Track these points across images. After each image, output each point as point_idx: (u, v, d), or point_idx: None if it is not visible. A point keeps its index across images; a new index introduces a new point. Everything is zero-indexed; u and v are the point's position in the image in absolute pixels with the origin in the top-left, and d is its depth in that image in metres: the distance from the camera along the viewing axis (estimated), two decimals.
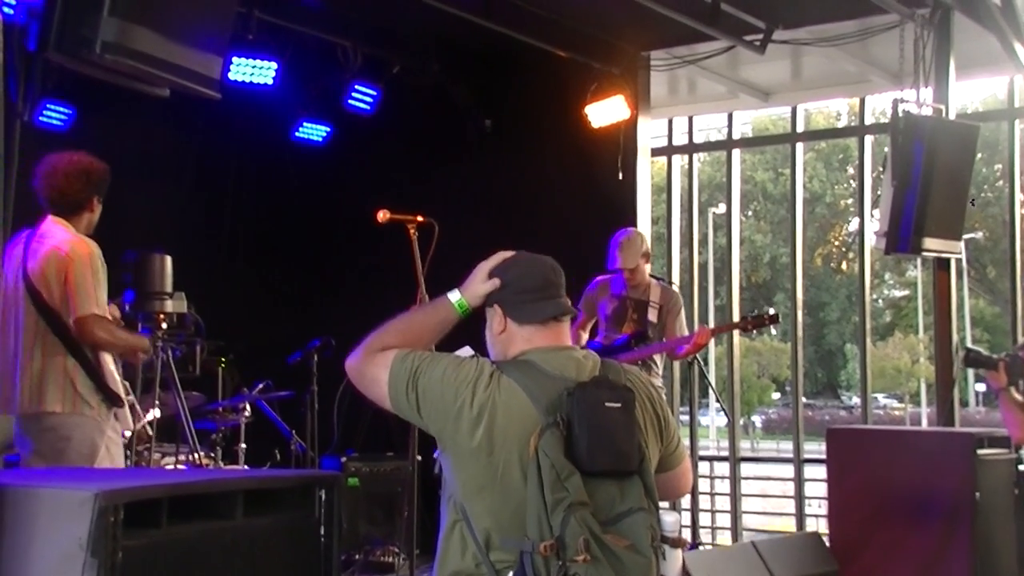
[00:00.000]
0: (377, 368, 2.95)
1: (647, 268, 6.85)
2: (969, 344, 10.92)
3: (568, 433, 2.72)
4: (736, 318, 10.51)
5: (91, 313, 4.53)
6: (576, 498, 2.66)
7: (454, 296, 3.06)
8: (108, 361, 4.70)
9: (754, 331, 7.22)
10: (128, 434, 5.20)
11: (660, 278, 7.05)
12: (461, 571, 2.81)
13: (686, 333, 6.76)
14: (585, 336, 7.11)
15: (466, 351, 3.44)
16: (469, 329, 3.20)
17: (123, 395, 4.75)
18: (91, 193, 4.77)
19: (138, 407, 5.49)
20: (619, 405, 2.80)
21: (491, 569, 2.74)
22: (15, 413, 4.64)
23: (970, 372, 25.82)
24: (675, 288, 7.18)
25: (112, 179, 4.86)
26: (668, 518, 2.84)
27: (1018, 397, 5.46)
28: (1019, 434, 5.52)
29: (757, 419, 35.44)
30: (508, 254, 3.06)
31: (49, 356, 4.57)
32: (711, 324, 30.26)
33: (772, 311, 6.89)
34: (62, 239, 4.64)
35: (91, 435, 4.58)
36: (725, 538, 10.15)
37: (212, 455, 6.85)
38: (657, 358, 6.78)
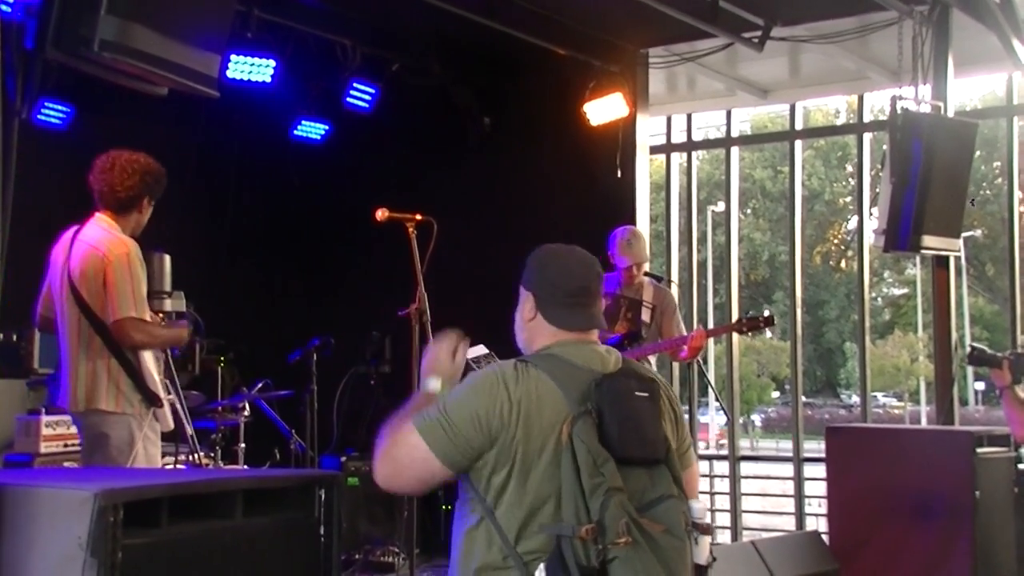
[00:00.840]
0: (406, 448, 2.83)
1: (644, 266, 6.84)
2: (969, 342, 10.91)
3: (599, 422, 2.75)
4: (734, 317, 10.52)
5: (128, 316, 4.54)
6: (612, 483, 2.69)
7: (433, 385, 3.03)
8: (148, 360, 4.71)
9: (750, 332, 7.20)
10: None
11: (656, 276, 7.00)
12: (488, 565, 2.79)
13: (684, 332, 6.73)
14: None
15: (480, 349, 3.46)
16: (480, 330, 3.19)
17: (162, 395, 4.77)
18: (143, 193, 4.78)
19: (179, 406, 5.50)
20: (647, 395, 2.86)
21: (519, 561, 2.74)
22: (70, 410, 4.72)
23: (969, 370, 25.86)
24: (673, 287, 7.17)
25: None
26: (696, 505, 2.90)
27: (1022, 395, 5.46)
28: (1022, 432, 5.53)
29: (756, 418, 35.46)
30: (452, 339, 3.09)
31: (96, 357, 4.60)
32: (710, 323, 30.21)
33: (768, 313, 6.88)
34: (101, 238, 4.65)
35: (131, 433, 4.61)
36: (725, 537, 10.14)
37: (212, 455, 6.84)
38: (652, 359, 6.77)
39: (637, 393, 2.84)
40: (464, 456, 2.78)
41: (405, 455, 2.82)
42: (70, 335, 4.64)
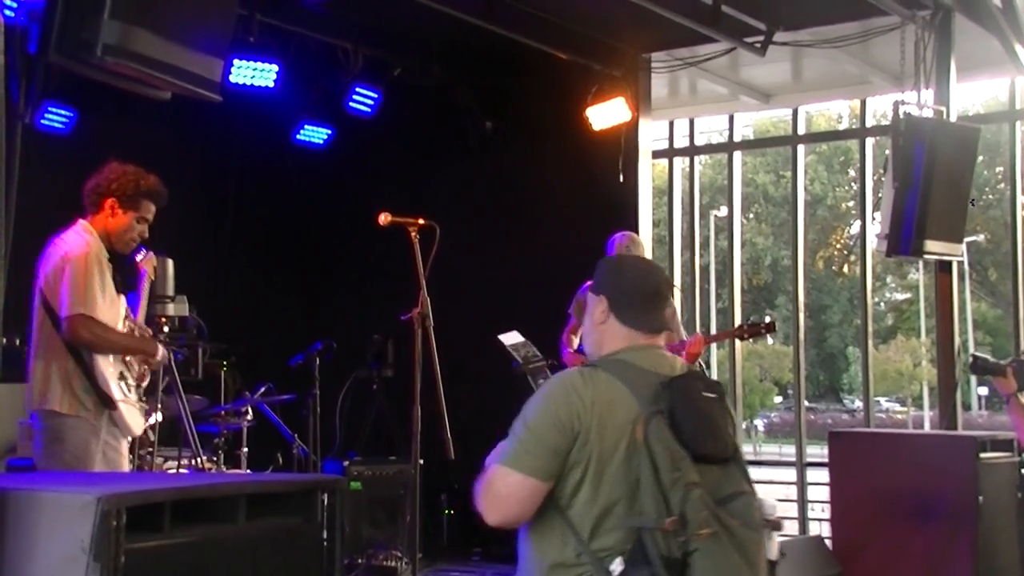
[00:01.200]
0: (502, 485, 2.89)
1: None
2: (972, 347, 10.91)
3: (672, 421, 2.83)
4: (737, 322, 10.52)
5: (77, 313, 4.53)
6: (690, 478, 2.77)
7: None
8: (102, 363, 4.68)
9: (751, 339, 7.19)
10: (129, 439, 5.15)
11: None
12: (563, 563, 2.85)
13: (684, 338, 6.73)
14: (576, 341, 7.08)
15: (514, 336, 3.50)
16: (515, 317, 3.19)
17: (118, 398, 4.71)
18: (106, 193, 4.76)
19: (151, 411, 5.48)
20: (715, 396, 2.95)
21: (593, 557, 2.80)
22: (27, 408, 4.71)
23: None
24: (675, 292, 7.16)
25: None
26: (767, 502, 2.97)
27: None
28: None
29: (759, 422, 35.41)
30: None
31: (53, 357, 4.60)
32: (712, 327, 30.13)
33: (769, 319, 6.87)
34: (69, 239, 4.68)
35: (85, 438, 4.58)
36: None
37: (214, 459, 6.84)
38: None
39: (705, 394, 2.93)
40: (556, 463, 2.85)
41: (504, 491, 2.88)
42: (35, 334, 4.65)
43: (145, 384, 5.04)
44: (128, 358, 4.84)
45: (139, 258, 5.22)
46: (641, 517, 2.77)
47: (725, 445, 2.92)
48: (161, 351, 4.87)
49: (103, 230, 4.80)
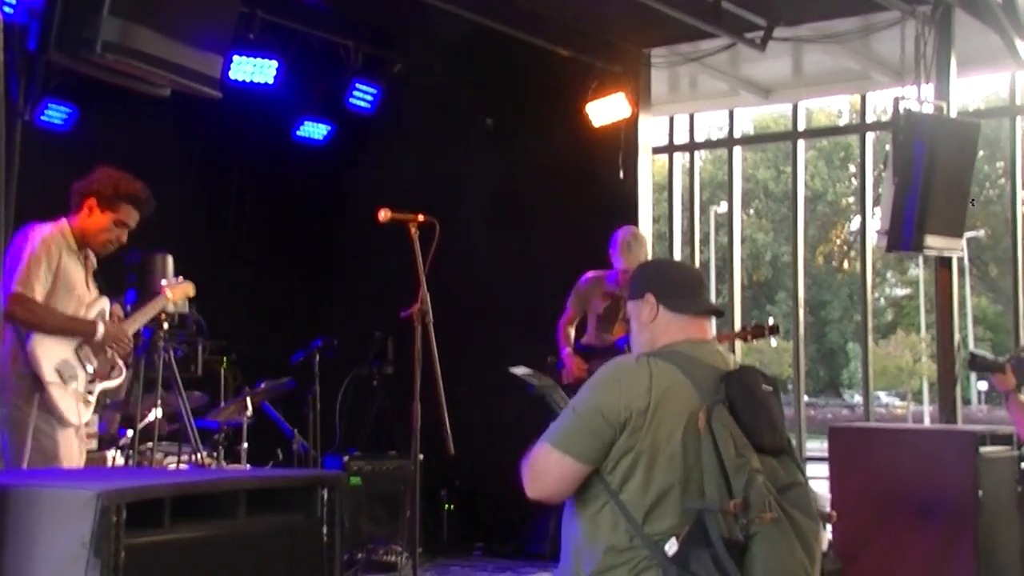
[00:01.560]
0: (544, 463, 3.00)
1: None
2: (971, 342, 10.93)
3: (732, 411, 2.90)
4: (738, 317, 10.52)
5: (14, 292, 4.54)
6: (754, 464, 2.84)
7: None
8: (38, 344, 4.60)
9: (754, 340, 7.17)
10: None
11: None
12: (616, 546, 2.89)
13: None
14: (573, 333, 7.07)
15: (523, 368, 3.59)
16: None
17: (48, 380, 4.58)
18: (87, 192, 4.80)
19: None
20: (771, 390, 3.02)
21: (647, 541, 2.85)
22: None
23: None
24: None
25: None
26: (820, 494, 3.02)
27: None
28: None
29: None
30: None
31: (7, 339, 4.58)
32: (713, 324, 30.07)
33: (772, 321, 6.87)
34: (35, 226, 4.71)
35: (16, 419, 4.54)
36: None
37: (214, 455, 6.84)
38: None
39: (764, 387, 2.99)
40: (598, 448, 2.92)
41: (544, 468, 3.00)
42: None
43: (120, 379, 4.99)
44: (87, 347, 4.77)
45: (165, 283, 5.24)
46: (703, 500, 2.83)
47: (781, 437, 3.00)
48: (100, 331, 4.77)
49: (80, 228, 4.83)
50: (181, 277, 5.41)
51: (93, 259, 4.95)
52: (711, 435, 2.85)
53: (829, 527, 3.09)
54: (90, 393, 4.80)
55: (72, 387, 4.69)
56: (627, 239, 6.73)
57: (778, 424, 2.99)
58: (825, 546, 3.04)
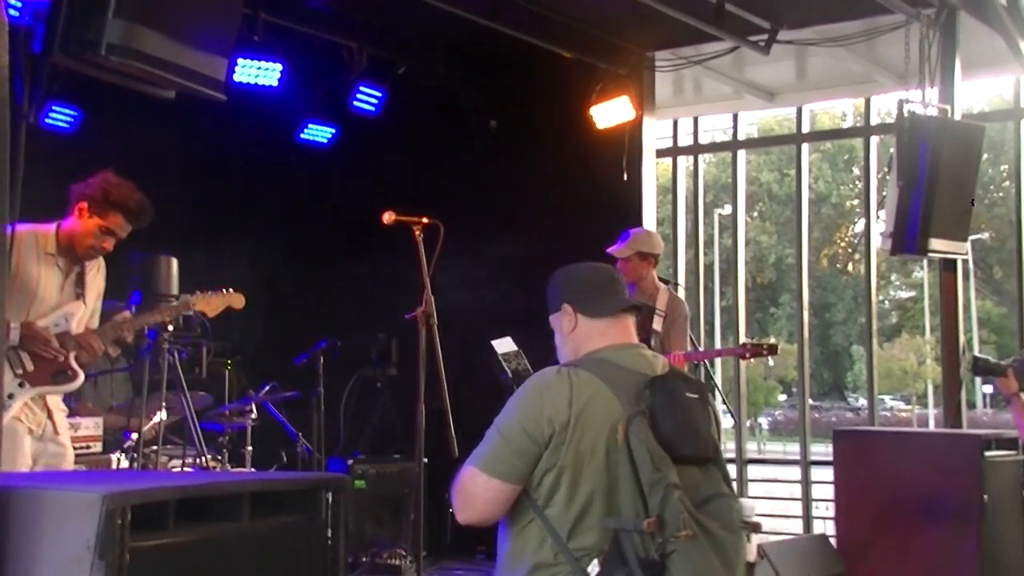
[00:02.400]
0: (472, 486, 2.96)
1: (654, 273, 6.73)
2: (976, 345, 10.92)
3: (653, 422, 2.83)
4: (742, 319, 10.52)
5: None
6: (671, 479, 2.76)
7: None
8: None
9: (752, 359, 7.09)
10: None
11: (664, 280, 6.90)
12: (542, 563, 2.87)
13: (686, 346, 6.67)
14: None
15: (508, 343, 3.54)
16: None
17: None
18: (79, 195, 4.77)
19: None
20: (697, 396, 2.95)
21: (570, 556, 2.82)
22: None
23: None
24: (680, 290, 7.11)
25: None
26: (746, 503, 2.97)
27: None
28: None
29: (763, 420, 35.41)
30: None
31: None
32: (716, 326, 30.04)
33: (772, 341, 6.83)
34: (13, 226, 4.64)
35: None
36: None
37: (219, 457, 6.85)
38: None
39: (688, 394, 2.92)
40: (524, 467, 2.89)
41: (473, 491, 2.95)
42: None
43: (70, 385, 4.82)
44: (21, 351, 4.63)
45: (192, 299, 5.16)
46: (619, 519, 2.77)
47: (706, 446, 2.92)
48: (13, 336, 4.57)
49: (67, 232, 4.78)
50: (228, 291, 5.29)
51: (85, 265, 4.88)
52: (628, 449, 2.79)
53: (755, 537, 3.01)
54: (10, 396, 4.59)
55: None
56: (635, 231, 6.74)
57: (702, 433, 2.91)
58: (752, 556, 3.01)
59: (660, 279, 6.80)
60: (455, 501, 2.99)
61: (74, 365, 4.80)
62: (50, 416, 4.79)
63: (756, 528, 3.01)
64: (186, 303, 5.21)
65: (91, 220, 4.77)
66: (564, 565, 2.82)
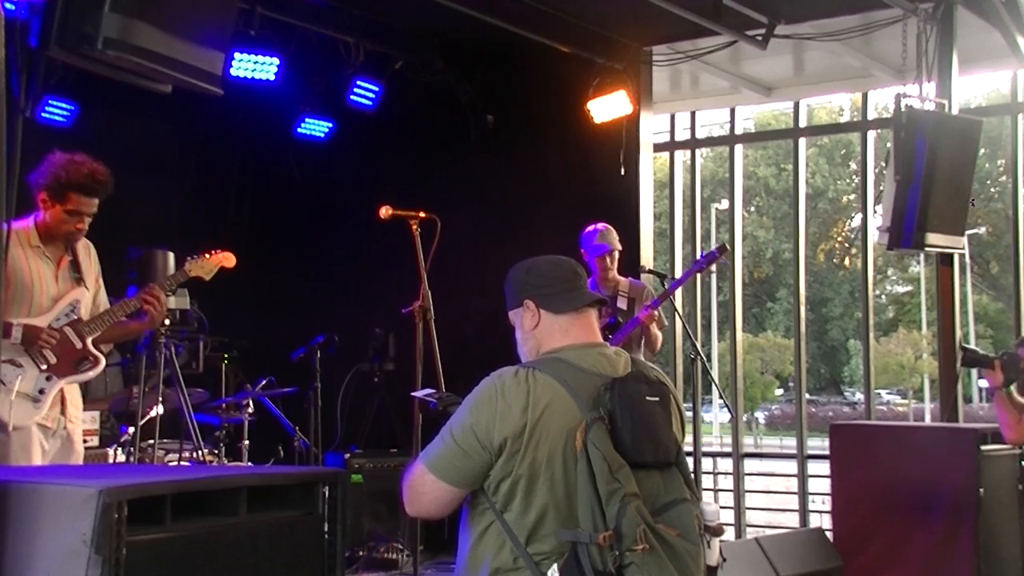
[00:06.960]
0: (420, 485, 2.92)
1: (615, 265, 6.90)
2: (972, 340, 10.93)
3: (611, 427, 2.77)
4: (739, 314, 10.52)
5: None
6: (629, 489, 2.71)
7: None
8: None
9: (710, 266, 7.06)
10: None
11: (660, 274, 7.03)
12: (501, 568, 2.82)
13: (664, 321, 6.86)
14: None
15: (425, 390, 3.48)
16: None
17: None
18: (35, 189, 4.68)
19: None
20: (657, 399, 2.88)
21: (529, 561, 2.78)
22: None
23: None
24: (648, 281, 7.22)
25: (114, 176, 4.77)
26: (708, 508, 2.92)
27: (1017, 396, 5.42)
28: (1011, 435, 5.50)
29: (760, 415, 35.44)
30: None
31: None
32: (713, 322, 30.01)
33: (717, 244, 6.84)
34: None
35: None
36: (728, 535, 10.14)
37: (215, 452, 6.85)
38: (641, 355, 6.76)
39: (648, 397, 2.86)
40: (473, 472, 2.84)
41: (421, 489, 2.91)
42: None
43: (93, 372, 4.82)
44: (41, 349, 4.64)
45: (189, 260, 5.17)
46: (575, 531, 2.72)
47: (667, 451, 2.86)
48: (16, 335, 4.54)
49: (43, 223, 4.73)
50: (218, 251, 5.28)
51: (76, 250, 4.84)
52: (586, 457, 2.73)
53: (716, 540, 2.95)
54: (41, 391, 4.61)
55: (16, 388, 4.55)
56: (603, 226, 6.86)
57: (663, 438, 2.85)
58: (715, 560, 2.96)
59: (652, 272, 6.98)
60: (404, 494, 2.95)
61: (94, 351, 4.80)
62: (63, 411, 4.76)
63: (718, 532, 2.95)
64: (183, 271, 5.18)
65: (55, 208, 4.69)
66: (524, 570, 2.78)
